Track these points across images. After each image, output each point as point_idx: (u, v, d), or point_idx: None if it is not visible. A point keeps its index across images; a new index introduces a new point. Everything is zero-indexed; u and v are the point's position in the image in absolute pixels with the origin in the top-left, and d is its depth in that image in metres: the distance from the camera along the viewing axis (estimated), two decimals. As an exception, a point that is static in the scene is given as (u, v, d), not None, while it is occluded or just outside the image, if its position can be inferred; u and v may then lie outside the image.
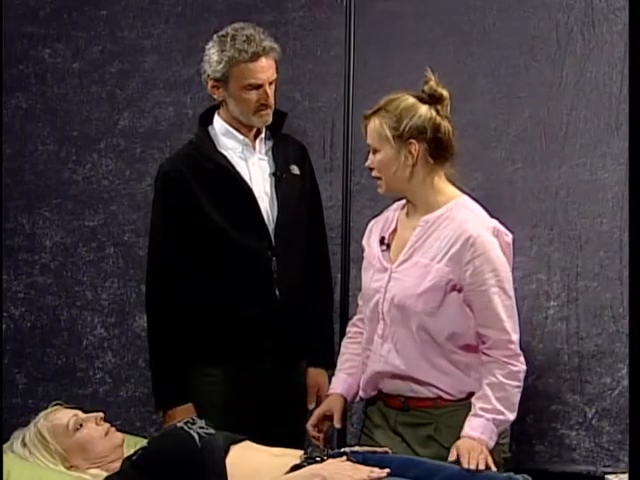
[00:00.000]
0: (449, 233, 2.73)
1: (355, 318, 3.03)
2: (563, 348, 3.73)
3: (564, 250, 3.74)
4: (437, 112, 2.76)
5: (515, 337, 2.73)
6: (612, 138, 3.71)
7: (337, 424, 2.93)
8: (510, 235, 2.81)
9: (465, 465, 2.57)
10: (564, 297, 3.73)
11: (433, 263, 2.73)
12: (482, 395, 2.70)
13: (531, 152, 3.76)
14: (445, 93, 2.77)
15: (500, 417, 2.68)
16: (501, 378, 2.70)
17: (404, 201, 2.90)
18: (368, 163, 2.83)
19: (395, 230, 2.87)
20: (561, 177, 3.75)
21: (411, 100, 2.76)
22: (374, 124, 2.77)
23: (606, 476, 3.58)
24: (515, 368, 2.72)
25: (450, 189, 2.82)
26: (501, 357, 2.71)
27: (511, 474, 2.55)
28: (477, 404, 2.70)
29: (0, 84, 3.75)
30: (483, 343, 2.74)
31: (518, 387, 2.73)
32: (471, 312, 2.74)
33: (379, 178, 2.81)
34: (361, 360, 2.92)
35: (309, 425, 2.93)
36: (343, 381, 2.95)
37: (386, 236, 2.86)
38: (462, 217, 2.75)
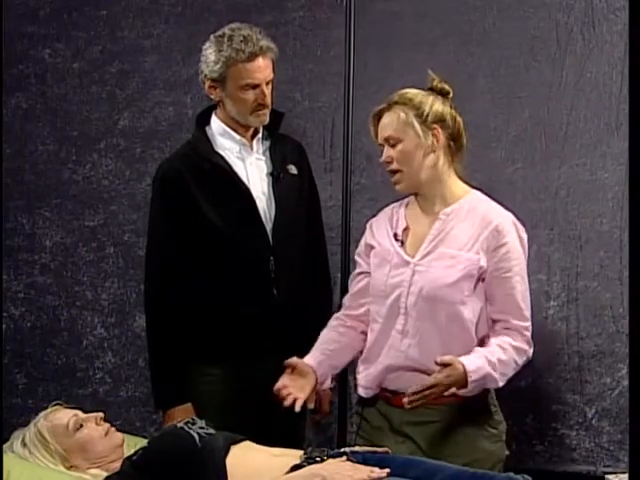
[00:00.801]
0: (473, 224, 2.79)
1: (341, 313, 3.01)
2: (563, 348, 3.73)
3: (564, 250, 3.74)
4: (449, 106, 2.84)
5: (530, 325, 2.81)
6: (612, 138, 3.71)
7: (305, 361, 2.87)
8: (525, 234, 2.86)
9: (410, 390, 2.64)
10: (564, 297, 3.73)
11: (461, 253, 2.77)
12: (489, 349, 2.74)
13: (531, 152, 3.75)
14: (450, 89, 2.86)
15: (493, 375, 2.72)
16: (509, 347, 2.76)
17: (406, 200, 2.92)
18: (384, 158, 2.84)
19: (406, 227, 2.88)
20: (561, 177, 3.74)
21: (424, 92, 2.84)
22: (395, 115, 2.81)
23: (606, 476, 3.58)
24: (524, 347, 2.79)
25: (461, 184, 2.88)
26: (515, 334, 2.78)
27: (511, 474, 2.55)
28: (482, 351, 2.73)
29: (0, 84, 3.75)
30: (499, 322, 2.79)
31: (517, 364, 2.79)
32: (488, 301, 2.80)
33: (398, 172, 2.82)
34: (339, 347, 2.93)
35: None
36: (316, 358, 2.90)
37: (399, 232, 2.87)
38: (484, 208, 2.83)
